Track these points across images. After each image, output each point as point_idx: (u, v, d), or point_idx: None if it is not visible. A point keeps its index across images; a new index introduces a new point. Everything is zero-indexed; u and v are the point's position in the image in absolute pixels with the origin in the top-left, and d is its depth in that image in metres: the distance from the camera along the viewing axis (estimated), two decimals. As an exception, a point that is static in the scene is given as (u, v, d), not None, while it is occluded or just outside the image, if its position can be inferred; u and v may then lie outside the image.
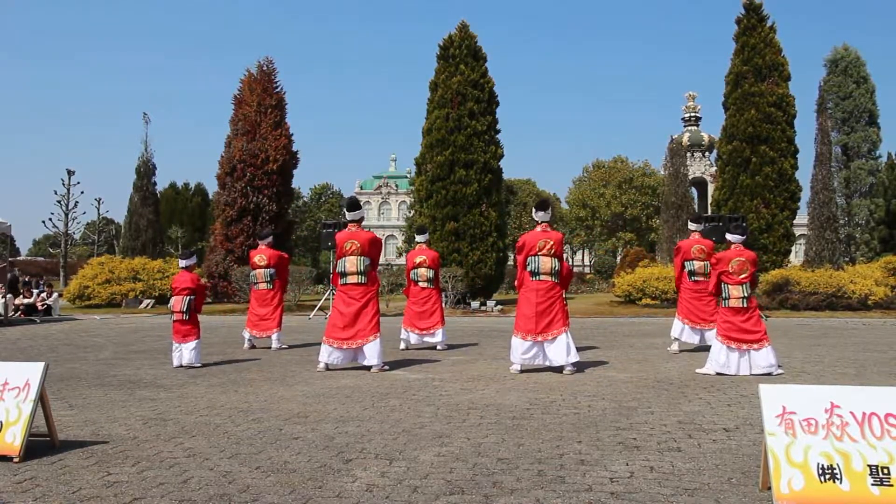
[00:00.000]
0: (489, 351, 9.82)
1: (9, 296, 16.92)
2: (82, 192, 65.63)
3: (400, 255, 56.13)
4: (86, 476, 3.89)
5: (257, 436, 4.81)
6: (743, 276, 7.59)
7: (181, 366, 8.22)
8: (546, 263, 7.67)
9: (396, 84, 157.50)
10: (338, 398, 6.20)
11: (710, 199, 30.32)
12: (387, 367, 7.88)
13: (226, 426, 5.11)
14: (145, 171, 28.17)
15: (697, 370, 7.61)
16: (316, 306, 18.28)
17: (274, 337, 10.23)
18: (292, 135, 24.22)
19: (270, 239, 10.82)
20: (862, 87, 24.91)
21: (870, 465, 3.21)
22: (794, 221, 21.58)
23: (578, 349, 9.74)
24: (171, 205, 40.20)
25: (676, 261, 9.82)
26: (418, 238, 10.61)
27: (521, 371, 7.63)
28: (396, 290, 21.77)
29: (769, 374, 7.26)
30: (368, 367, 7.80)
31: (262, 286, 10.44)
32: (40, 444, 4.44)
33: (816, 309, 16.82)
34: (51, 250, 57.46)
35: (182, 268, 8.64)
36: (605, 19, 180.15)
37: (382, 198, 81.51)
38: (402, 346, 9.98)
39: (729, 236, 8.03)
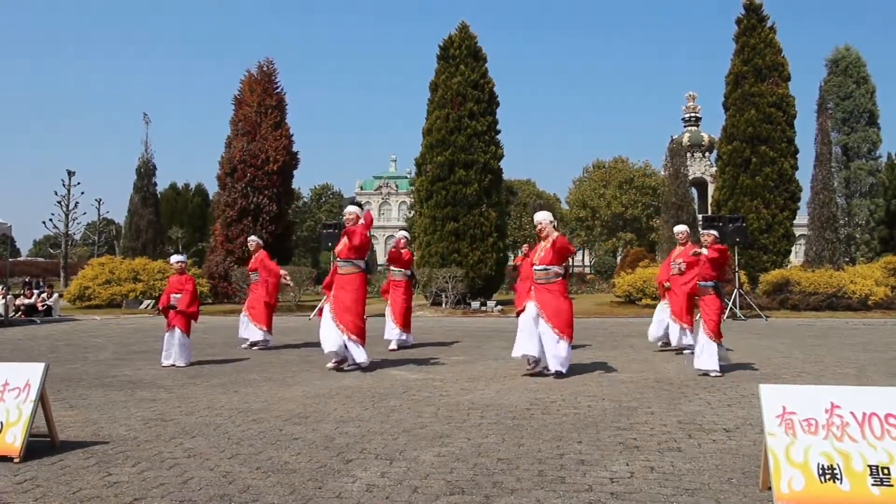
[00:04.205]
0: (489, 351, 9.82)
1: (9, 296, 16.93)
2: (83, 193, 65.71)
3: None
4: (86, 476, 3.89)
5: (257, 436, 4.81)
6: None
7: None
8: None
9: (396, 84, 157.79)
10: (338, 398, 6.20)
11: (710, 200, 30.29)
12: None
13: (226, 426, 5.11)
14: (145, 172, 28.14)
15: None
16: (316, 307, 18.27)
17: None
18: (292, 135, 24.22)
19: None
20: (862, 87, 24.87)
21: (870, 466, 3.21)
22: (795, 222, 21.54)
23: (579, 349, 9.79)
24: (172, 205, 40.11)
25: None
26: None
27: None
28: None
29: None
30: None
31: None
32: (41, 445, 4.45)
33: (817, 309, 16.80)
34: (51, 251, 57.41)
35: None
36: (606, 19, 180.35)
37: (383, 198, 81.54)
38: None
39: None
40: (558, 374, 7.31)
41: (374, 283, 29.13)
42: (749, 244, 19.20)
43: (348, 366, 7.98)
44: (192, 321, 8.74)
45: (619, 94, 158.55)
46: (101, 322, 16.48)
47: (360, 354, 7.87)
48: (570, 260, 8.77)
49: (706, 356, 7.46)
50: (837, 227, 20.80)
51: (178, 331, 8.48)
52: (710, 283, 7.79)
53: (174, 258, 8.98)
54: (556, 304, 7.40)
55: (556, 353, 7.26)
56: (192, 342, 8.91)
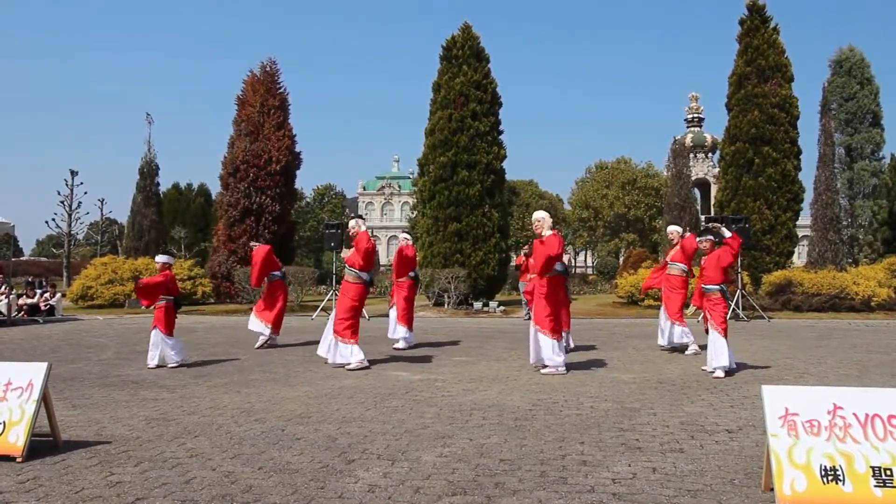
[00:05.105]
0: (492, 352, 9.82)
1: (12, 296, 16.96)
2: (85, 193, 65.79)
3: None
4: (88, 476, 3.90)
5: (260, 436, 4.81)
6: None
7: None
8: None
9: (399, 85, 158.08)
10: (340, 399, 6.21)
11: (712, 201, 30.23)
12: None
13: (228, 426, 5.12)
14: (148, 172, 28.14)
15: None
16: (318, 307, 18.29)
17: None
18: (295, 135, 24.24)
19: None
20: (866, 88, 24.76)
21: (872, 467, 3.20)
22: (797, 223, 21.51)
23: (581, 349, 9.79)
24: (174, 205, 40.09)
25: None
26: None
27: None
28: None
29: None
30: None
31: None
32: (43, 444, 4.45)
33: (819, 310, 16.77)
34: (54, 251, 57.45)
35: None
36: (609, 20, 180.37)
37: (385, 199, 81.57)
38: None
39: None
40: (543, 368, 7.66)
41: (375, 284, 29.16)
42: (752, 245, 19.16)
43: (349, 367, 8.02)
44: (172, 320, 8.40)
45: (621, 95, 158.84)
46: (103, 322, 16.50)
47: (345, 356, 8.09)
48: (570, 260, 8.82)
49: (720, 353, 7.46)
50: (840, 229, 20.76)
51: (156, 330, 8.29)
52: (715, 287, 7.76)
53: (158, 258, 8.81)
54: (538, 300, 7.82)
55: (537, 346, 7.67)
56: (194, 342, 8.89)
